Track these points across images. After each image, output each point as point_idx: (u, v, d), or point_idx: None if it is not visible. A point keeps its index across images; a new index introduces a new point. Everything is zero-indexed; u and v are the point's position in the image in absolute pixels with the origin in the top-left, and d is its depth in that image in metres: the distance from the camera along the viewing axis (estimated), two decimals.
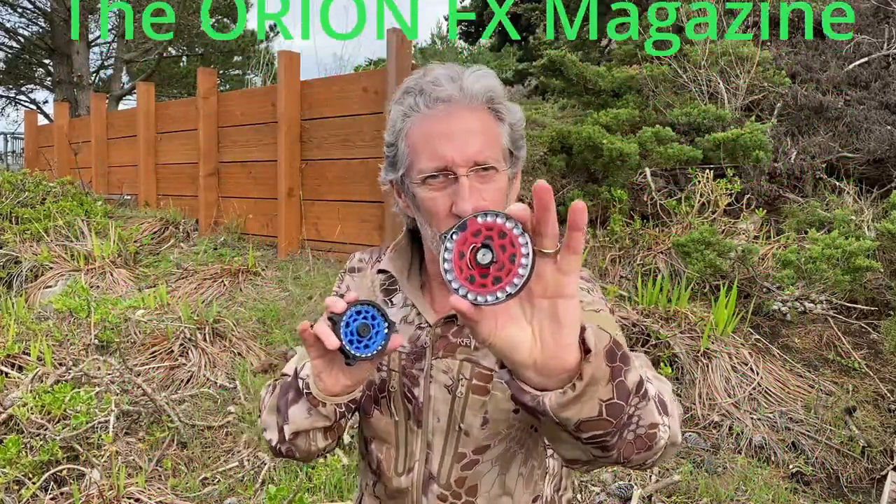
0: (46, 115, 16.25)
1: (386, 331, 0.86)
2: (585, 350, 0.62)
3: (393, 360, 1.04)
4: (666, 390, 0.82)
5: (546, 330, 0.61)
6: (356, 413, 1.09)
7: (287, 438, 0.96)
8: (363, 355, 0.84)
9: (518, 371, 0.63)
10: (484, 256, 0.60)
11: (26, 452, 2.47)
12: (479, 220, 0.61)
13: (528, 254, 0.58)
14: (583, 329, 0.62)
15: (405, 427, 1.03)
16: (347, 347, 0.84)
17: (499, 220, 0.60)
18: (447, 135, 0.94)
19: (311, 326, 0.86)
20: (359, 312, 0.85)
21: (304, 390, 0.92)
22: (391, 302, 1.09)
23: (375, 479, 1.07)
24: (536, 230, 0.59)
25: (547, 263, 0.60)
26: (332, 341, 0.82)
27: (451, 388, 0.99)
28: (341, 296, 1.06)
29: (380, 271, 1.10)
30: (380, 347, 0.85)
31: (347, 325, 0.84)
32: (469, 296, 0.59)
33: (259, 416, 1.10)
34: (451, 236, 0.62)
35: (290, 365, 1.08)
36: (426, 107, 0.96)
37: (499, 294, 0.58)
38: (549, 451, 1.03)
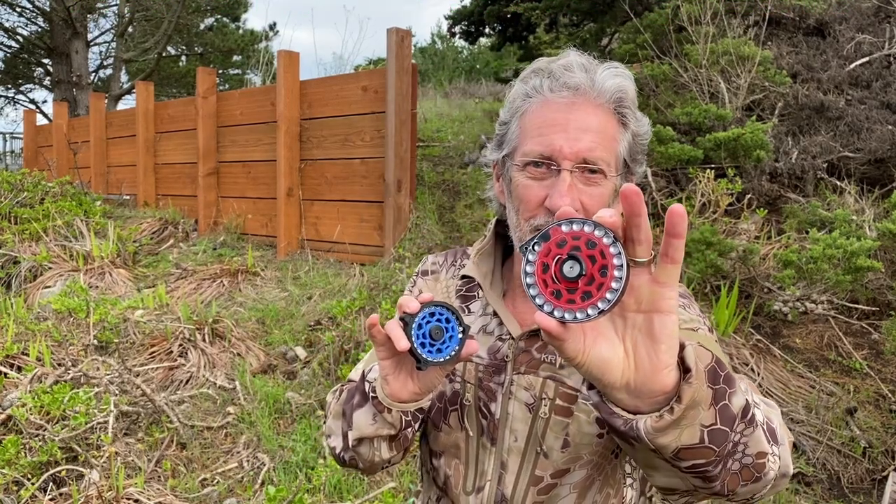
0: (45, 115, 16.24)
1: (460, 336, 0.80)
2: (685, 370, 0.57)
3: (469, 372, 0.97)
4: (774, 416, 0.76)
5: (641, 347, 0.56)
6: (423, 424, 1.03)
7: (351, 445, 0.91)
8: (435, 360, 0.79)
9: (609, 392, 0.59)
10: (571, 269, 0.54)
11: (25, 453, 2.46)
12: (564, 228, 0.55)
13: (621, 265, 0.53)
14: (681, 347, 0.58)
15: (477, 443, 0.96)
16: (418, 350, 0.78)
17: (586, 229, 0.54)
18: (562, 124, 0.89)
19: (383, 325, 0.81)
20: (432, 314, 0.80)
21: (371, 394, 0.87)
22: (469, 310, 1.02)
23: (440, 495, 1.02)
24: (628, 237, 0.54)
25: (641, 274, 0.55)
26: (402, 343, 0.77)
27: (533, 408, 0.93)
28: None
29: (463, 277, 1.03)
30: (453, 353, 0.79)
31: (420, 326, 0.79)
32: (556, 313, 0.55)
33: (324, 422, 1.06)
34: (533, 247, 0.57)
35: (357, 369, 1.04)
36: (550, 91, 0.91)
37: (590, 311, 0.53)
38: (629, 481, 0.97)
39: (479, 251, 1.05)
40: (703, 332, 0.91)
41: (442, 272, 1.09)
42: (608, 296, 0.53)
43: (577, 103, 0.89)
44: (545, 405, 0.93)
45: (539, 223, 0.89)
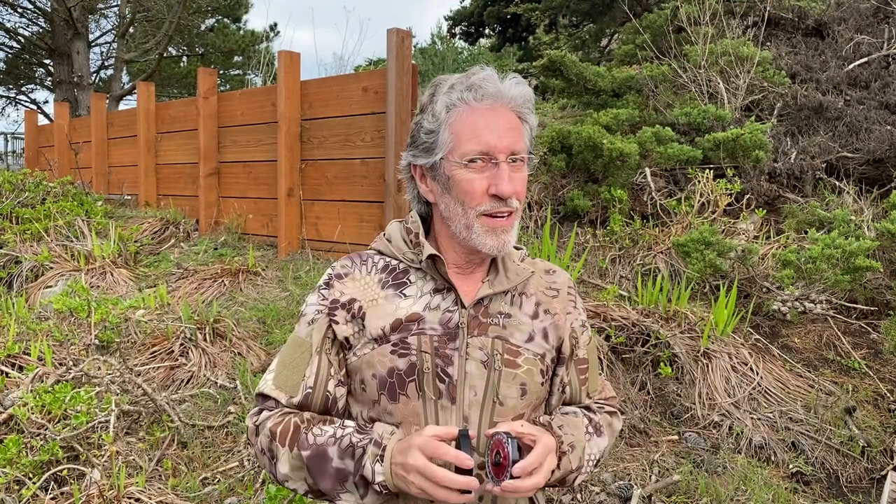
0: (47, 115, 16.26)
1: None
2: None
3: (424, 343, 1.10)
4: (603, 444, 1.21)
5: None
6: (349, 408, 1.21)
7: None
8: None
9: None
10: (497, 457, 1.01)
11: (26, 452, 2.47)
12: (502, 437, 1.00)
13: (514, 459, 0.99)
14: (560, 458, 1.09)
15: (436, 405, 1.09)
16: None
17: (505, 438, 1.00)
18: (490, 126, 1.08)
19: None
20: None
21: (381, 484, 1.01)
22: (405, 295, 1.15)
23: None
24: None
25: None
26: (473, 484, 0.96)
27: (487, 364, 1.11)
28: (334, 301, 1.18)
29: (431, 257, 1.14)
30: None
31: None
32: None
33: (252, 444, 1.16)
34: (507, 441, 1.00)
35: (267, 384, 1.18)
36: (475, 100, 1.09)
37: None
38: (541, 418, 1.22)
39: (419, 238, 1.17)
40: (588, 334, 1.26)
41: (355, 272, 1.20)
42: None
43: (497, 108, 1.10)
44: (497, 359, 1.12)
45: (486, 209, 1.08)
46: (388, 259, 1.21)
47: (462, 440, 0.97)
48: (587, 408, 1.26)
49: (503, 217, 1.09)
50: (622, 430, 2.90)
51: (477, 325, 1.13)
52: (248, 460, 2.75)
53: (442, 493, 0.93)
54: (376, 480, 1.00)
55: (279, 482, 1.10)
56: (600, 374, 1.32)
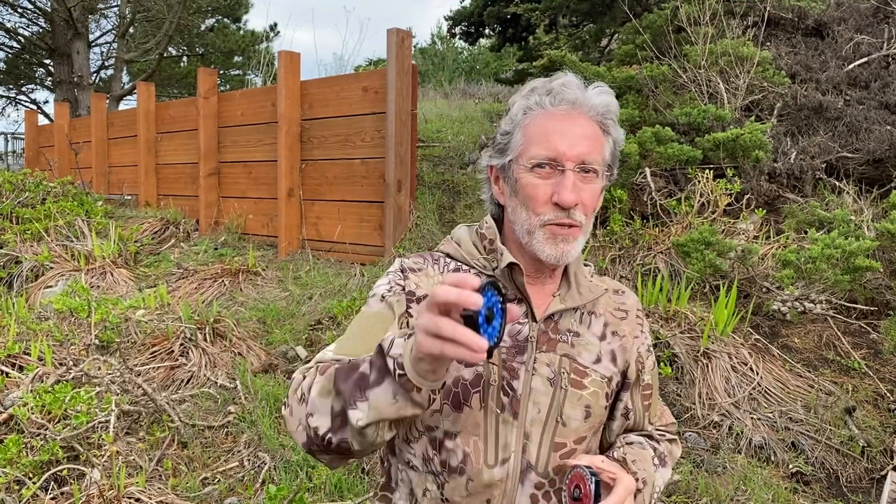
0: (47, 115, 16.25)
1: (501, 307, 0.77)
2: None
3: (493, 355, 1.03)
4: (667, 475, 1.17)
5: None
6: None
7: (358, 426, 0.87)
8: (498, 343, 0.76)
9: None
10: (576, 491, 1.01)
11: (27, 452, 2.47)
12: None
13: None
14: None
15: (497, 419, 1.05)
16: (492, 345, 0.74)
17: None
18: (563, 132, 1.05)
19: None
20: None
21: (397, 371, 0.83)
22: None
23: (443, 481, 1.06)
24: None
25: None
26: (480, 344, 0.72)
27: (553, 381, 1.08)
28: (410, 292, 1.10)
29: (511, 265, 1.08)
30: (501, 328, 0.77)
31: (481, 317, 0.73)
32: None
33: (286, 402, 1.00)
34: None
35: (329, 350, 1.06)
36: (551, 104, 1.07)
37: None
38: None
39: (495, 245, 1.12)
40: (652, 359, 1.22)
41: (427, 268, 1.15)
42: None
43: (574, 115, 1.06)
44: (564, 378, 1.09)
45: (548, 218, 1.04)
46: (458, 263, 1.16)
47: (485, 288, 0.74)
48: (649, 436, 1.22)
49: (565, 227, 1.05)
50: None
51: (546, 340, 1.09)
52: (248, 460, 2.75)
53: (449, 335, 0.73)
54: (392, 352, 0.84)
55: (308, 426, 0.93)
56: (659, 400, 1.28)
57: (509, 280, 1.10)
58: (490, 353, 0.73)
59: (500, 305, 0.77)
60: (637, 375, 1.18)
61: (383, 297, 1.10)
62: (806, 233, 3.94)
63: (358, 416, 0.87)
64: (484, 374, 1.04)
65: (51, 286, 4.73)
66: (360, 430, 0.88)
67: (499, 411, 1.04)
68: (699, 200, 4.33)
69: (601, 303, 1.17)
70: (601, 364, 1.13)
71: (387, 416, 0.86)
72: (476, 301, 0.71)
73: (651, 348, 1.23)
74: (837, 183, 4.59)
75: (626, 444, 1.17)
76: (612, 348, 1.15)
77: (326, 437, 0.92)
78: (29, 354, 3.27)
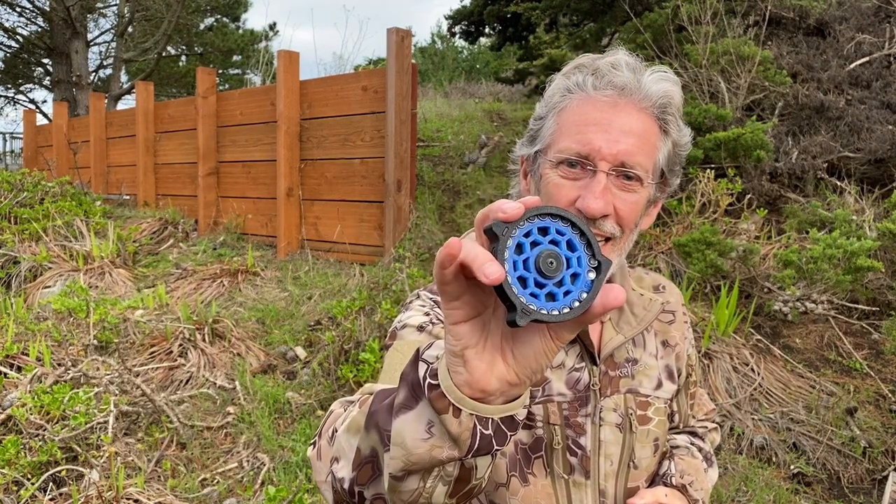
0: (45, 115, 16.24)
1: (591, 273, 0.47)
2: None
3: (552, 414, 0.87)
4: (714, 475, 1.07)
5: None
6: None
7: (390, 473, 0.58)
8: (548, 312, 0.45)
9: None
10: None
11: (25, 453, 2.46)
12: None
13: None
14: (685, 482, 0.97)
15: (567, 484, 0.89)
16: (515, 289, 0.45)
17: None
18: (604, 123, 0.83)
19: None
20: (544, 231, 0.47)
21: (428, 380, 0.54)
22: None
23: None
24: None
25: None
26: (491, 270, 0.44)
27: (622, 427, 0.92)
28: (432, 324, 0.86)
29: None
30: (578, 302, 0.46)
31: (521, 248, 0.46)
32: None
33: (314, 442, 0.75)
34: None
35: (376, 385, 0.77)
36: (594, 88, 0.86)
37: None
38: None
39: None
40: (694, 352, 1.08)
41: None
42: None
43: (621, 104, 0.85)
44: (633, 419, 0.93)
45: None
46: None
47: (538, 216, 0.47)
48: (693, 432, 1.11)
49: None
50: None
51: (608, 382, 0.92)
52: (247, 461, 2.74)
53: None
54: (427, 354, 0.58)
55: (331, 474, 0.68)
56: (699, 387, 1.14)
57: None
58: (520, 319, 0.44)
59: (587, 264, 0.48)
60: (686, 377, 1.05)
61: (421, 326, 0.87)
62: (807, 233, 3.93)
63: (392, 465, 0.58)
64: (545, 437, 0.87)
65: (49, 286, 4.71)
66: (392, 480, 0.58)
67: (567, 476, 0.89)
68: (700, 200, 4.32)
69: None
70: (662, 388, 0.98)
71: (418, 462, 0.55)
72: (509, 208, 0.46)
73: (693, 342, 1.09)
74: (839, 183, 4.58)
75: (679, 457, 1.03)
76: (668, 363, 1.00)
77: (351, 491, 0.65)
78: (27, 355, 3.26)
